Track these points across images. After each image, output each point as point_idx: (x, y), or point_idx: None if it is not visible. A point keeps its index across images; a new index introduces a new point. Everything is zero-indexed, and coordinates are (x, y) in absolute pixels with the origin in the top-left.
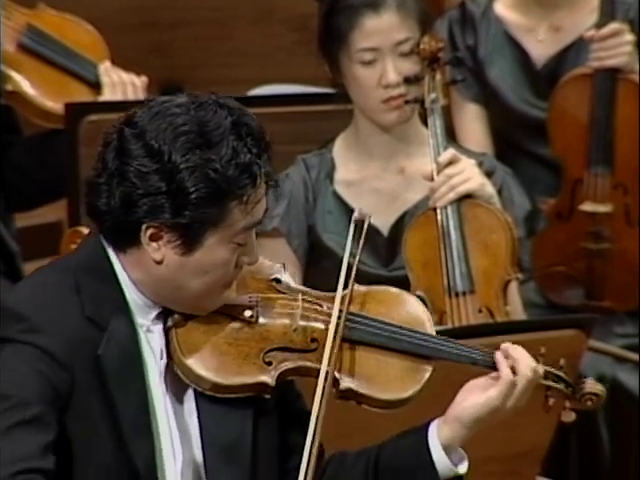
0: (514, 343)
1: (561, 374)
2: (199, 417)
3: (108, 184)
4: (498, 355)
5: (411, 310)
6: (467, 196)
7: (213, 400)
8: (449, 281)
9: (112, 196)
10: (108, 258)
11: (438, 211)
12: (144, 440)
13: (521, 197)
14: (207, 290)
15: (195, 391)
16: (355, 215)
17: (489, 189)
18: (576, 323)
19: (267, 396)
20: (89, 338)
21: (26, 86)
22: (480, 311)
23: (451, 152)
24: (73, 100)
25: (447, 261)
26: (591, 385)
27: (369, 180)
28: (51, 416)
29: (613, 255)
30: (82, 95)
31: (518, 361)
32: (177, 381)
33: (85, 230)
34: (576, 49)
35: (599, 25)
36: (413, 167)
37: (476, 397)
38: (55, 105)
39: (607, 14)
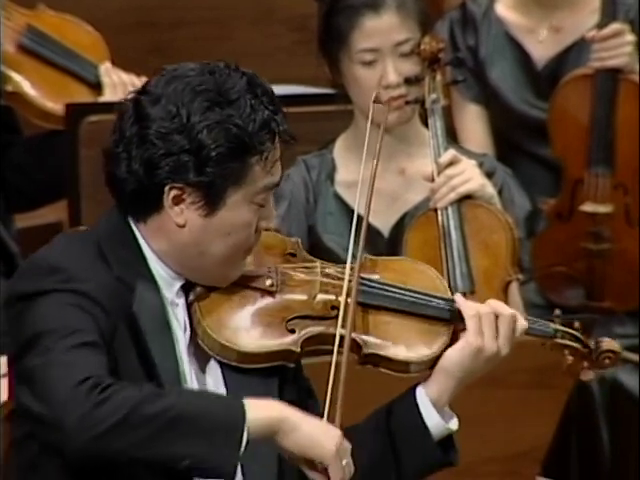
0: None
1: (577, 334)
2: (227, 389)
3: (127, 151)
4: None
5: (427, 278)
6: (467, 197)
7: (239, 371)
8: (449, 281)
9: (133, 161)
10: (130, 228)
11: (439, 212)
12: None
13: (521, 197)
14: (229, 255)
15: (220, 364)
16: (374, 95)
17: (489, 190)
18: None
19: (291, 365)
20: (121, 295)
21: (26, 87)
22: None
23: (451, 153)
24: (73, 101)
25: (448, 261)
26: (608, 343)
27: (369, 181)
28: (105, 348)
29: (613, 255)
30: (82, 96)
31: (477, 303)
32: (200, 354)
33: None
34: (577, 50)
35: (600, 26)
36: (414, 168)
37: (454, 346)
38: (55, 106)
39: (608, 15)
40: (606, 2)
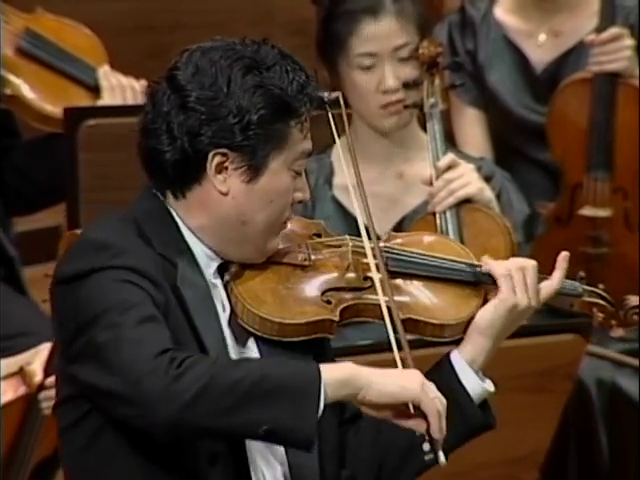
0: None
1: (603, 293)
2: None
3: (167, 122)
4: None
5: (450, 247)
6: (466, 201)
7: (276, 350)
8: None
9: (174, 131)
10: (166, 207)
11: (437, 216)
12: None
13: (520, 201)
14: (269, 223)
15: (257, 343)
16: (326, 98)
17: (488, 194)
18: (575, 328)
19: (332, 336)
20: (166, 270)
21: (25, 90)
22: None
23: (450, 157)
24: (72, 104)
25: None
26: (633, 299)
27: (368, 185)
28: (164, 322)
29: (612, 260)
30: (81, 99)
31: (504, 262)
32: (238, 333)
33: None
34: (576, 54)
35: (599, 29)
36: (412, 172)
37: (487, 305)
38: (54, 109)
39: (607, 18)
40: (605, 6)
